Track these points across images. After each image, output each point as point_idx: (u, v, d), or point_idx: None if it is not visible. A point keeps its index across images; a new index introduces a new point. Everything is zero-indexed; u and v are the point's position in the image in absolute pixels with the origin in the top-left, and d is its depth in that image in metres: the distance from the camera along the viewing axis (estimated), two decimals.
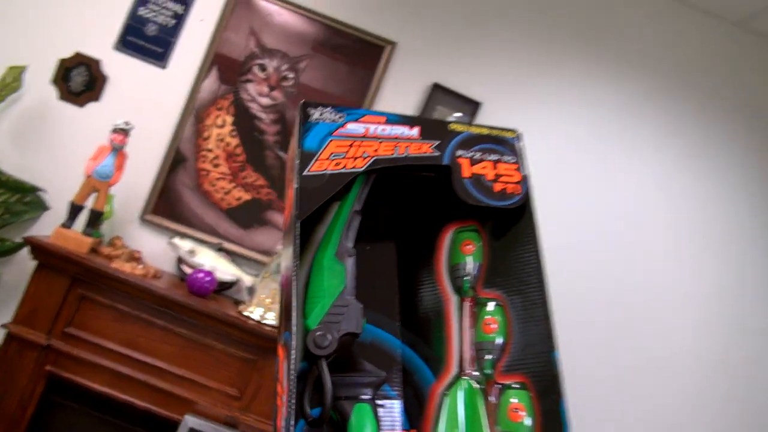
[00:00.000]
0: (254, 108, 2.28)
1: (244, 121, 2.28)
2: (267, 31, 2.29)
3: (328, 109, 0.58)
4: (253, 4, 2.28)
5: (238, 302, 2.11)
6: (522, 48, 2.36)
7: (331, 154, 0.56)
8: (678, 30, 2.39)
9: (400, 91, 2.32)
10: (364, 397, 0.54)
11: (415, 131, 0.58)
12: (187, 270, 2.09)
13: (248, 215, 2.26)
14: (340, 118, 0.58)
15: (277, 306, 2.00)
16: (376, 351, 0.60)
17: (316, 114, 0.58)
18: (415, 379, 0.59)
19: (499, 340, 0.55)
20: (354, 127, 0.57)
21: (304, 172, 0.54)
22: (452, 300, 0.59)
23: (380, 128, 0.58)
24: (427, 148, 0.58)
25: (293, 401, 0.45)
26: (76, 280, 1.91)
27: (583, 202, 2.36)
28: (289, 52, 2.29)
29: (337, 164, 0.55)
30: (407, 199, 0.64)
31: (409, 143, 0.57)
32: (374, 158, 0.56)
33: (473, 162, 0.58)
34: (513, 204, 0.57)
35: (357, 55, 2.31)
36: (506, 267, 0.58)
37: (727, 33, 2.39)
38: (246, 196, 2.27)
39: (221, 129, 2.27)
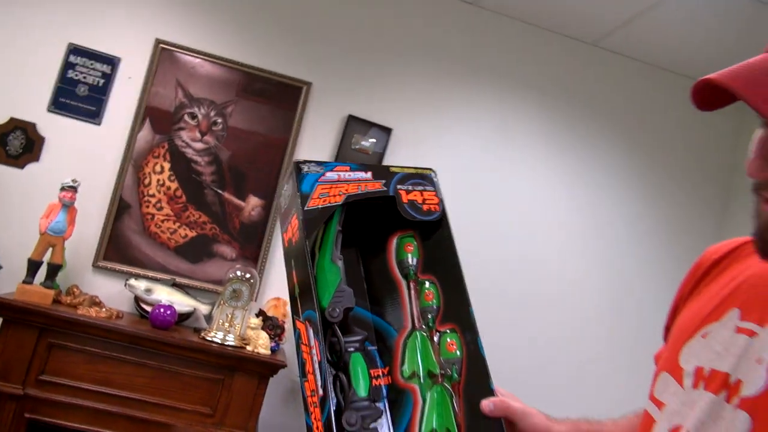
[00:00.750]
0: (189, 152, 2.50)
1: (181, 165, 2.49)
2: (192, 82, 2.52)
3: (312, 164, 0.87)
4: (177, 59, 2.51)
5: (197, 330, 2.32)
6: (423, 79, 2.72)
7: (320, 194, 0.84)
8: (546, 53, 2.83)
9: (320, 124, 2.62)
10: (355, 349, 0.84)
11: (369, 174, 0.88)
12: (146, 308, 2.28)
13: (196, 250, 2.48)
14: (320, 169, 0.87)
15: (234, 328, 2.24)
16: (358, 321, 0.89)
17: (305, 168, 0.86)
18: (384, 336, 0.88)
19: (435, 304, 0.87)
20: (330, 175, 0.86)
21: (305, 208, 0.82)
22: (402, 283, 0.90)
23: (347, 174, 0.87)
24: (378, 185, 0.88)
25: (324, 351, 0.73)
26: (43, 330, 2.06)
27: (482, 202, 2.75)
28: (216, 99, 2.53)
29: (324, 201, 0.84)
30: (367, 219, 0.93)
31: (367, 183, 0.87)
32: (347, 194, 0.85)
33: (408, 192, 0.89)
34: (435, 218, 0.88)
35: (278, 97, 2.59)
36: (434, 258, 0.89)
37: (585, 52, 2.86)
38: (191, 233, 2.49)
39: (160, 175, 2.48)
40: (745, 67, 0.59)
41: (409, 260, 0.90)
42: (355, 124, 2.64)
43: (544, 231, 2.81)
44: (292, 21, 2.64)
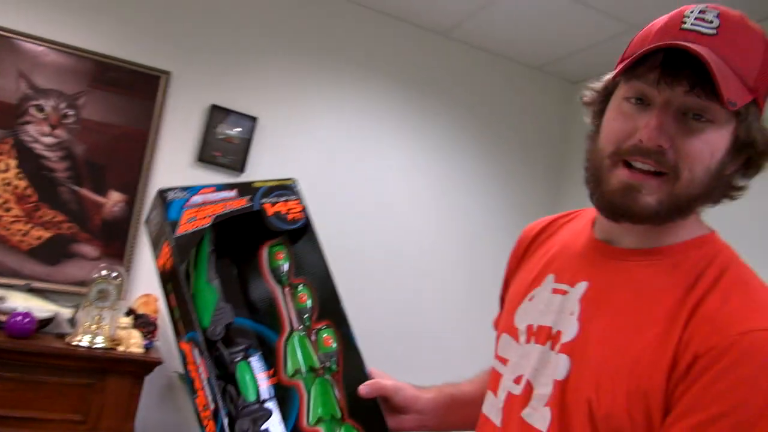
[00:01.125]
0: (38, 148, 2.34)
1: (30, 162, 2.33)
2: (37, 72, 2.35)
3: (176, 190, 0.88)
4: (17, 47, 2.32)
5: (60, 335, 2.21)
6: (285, 67, 2.75)
7: (188, 219, 0.85)
8: (401, 43, 2.98)
9: (182, 114, 2.56)
10: (240, 358, 0.89)
11: (234, 192, 0.91)
12: (1, 317, 2.13)
13: (53, 251, 2.34)
14: (185, 194, 0.88)
15: (103, 329, 2.17)
16: (240, 331, 0.93)
17: (170, 196, 0.87)
18: (266, 341, 0.94)
19: (310, 305, 0.94)
20: (196, 199, 0.87)
21: (174, 235, 0.83)
22: (277, 289, 0.95)
23: (212, 196, 0.89)
24: (243, 202, 0.91)
25: (211, 367, 0.77)
26: None
27: (345, 185, 2.86)
28: (65, 90, 2.38)
29: (193, 225, 0.85)
30: (238, 232, 0.96)
31: (232, 201, 0.90)
32: (214, 215, 0.87)
33: (273, 204, 0.93)
34: (301, 225, 0.94)
35: (134, 87, 2.48)
36: (304, 261, 0.96)
37: (436, 42, 3.05)
38: (46, 234, 2.34)
39: (6, 173, 2.29)
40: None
41: (281, 267, 0.95)
42: (218, 114, 2.61)
43: (403, 210, 2.97)
44: (147, 8, 2.53)
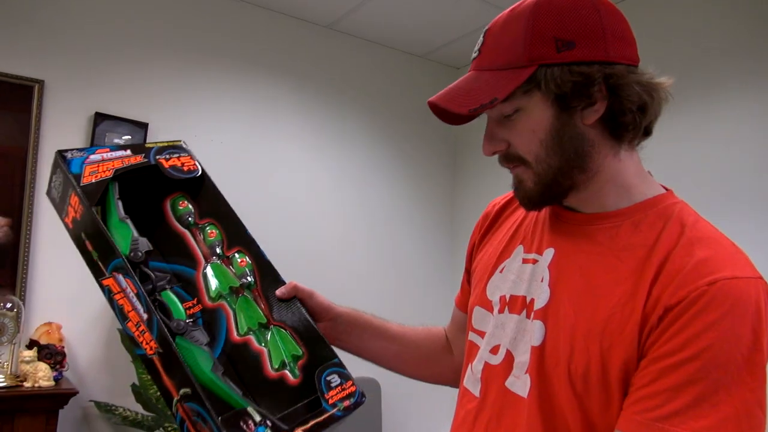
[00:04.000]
0: None
1: None
2: None
3: (74, 150, 0.94)
4: None
5: None
6: (172, 68, 2.62)
7: (90, 172, 0.91)
8: (288, 37, 2.96)
9: (63, 125, 2.36)
10: (164, 285, 0.94)
11: (128, 152, 0.98)
12: None
13: None
14: (83, 154, 0.94)
15: (4, 367, 1.97)
16: (158, 272, 0.96)
17: (69, 155, 0.92)
18: (184, 276, 0.98)
19: (218, 239, 1.01)
20: (94, 157, 0.94)
21: (80, 185, 0.88)
22: (186, 233, 1.01)
23: (109, 154, 0.95)
24: (140, 158, 0.98)
25: (138, 285, 0.80)
26: None
27: (248, 185, 2.80)
28: None
29: (96, 176, 0.91)
30: (138, 196, 1.00)
31: (129, 158, 0.96)
32: (114, 169, 0.93)
33: (167, 160, 1.00)
34: (197, 174, 1.01)
35: (4, 99, 2.26)
36: (206, 206, 1.03)
37: (321, 34, 3.06)
38: None
39: None
40: (450, 88, 0.76)
41: (186, 214, 1.03)
42: (105, 122, 2.44)
43: (306, 204, 2.97)
44: (13, 14, 2.30)
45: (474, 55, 0.78)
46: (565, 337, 0.71)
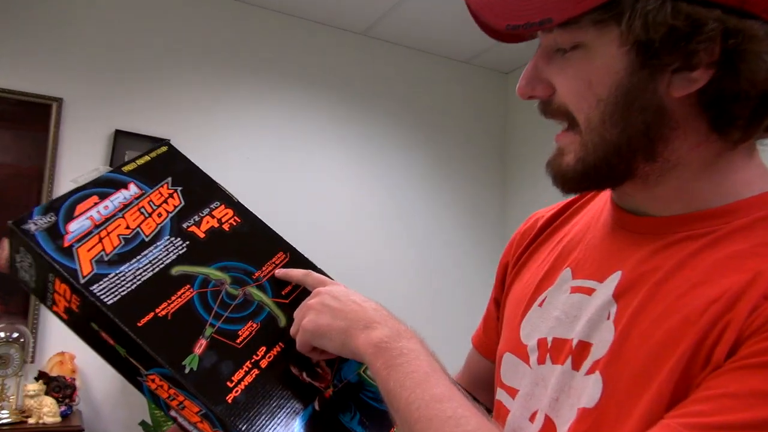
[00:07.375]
0: None
1: None
2: None
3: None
4: None
5: None
6: (194, 82, 2.50)
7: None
8: (320, 45, 2.79)
9: (82, 144, 2.27)
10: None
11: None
12: None
13: None
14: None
15: (8, 401, 1.84)
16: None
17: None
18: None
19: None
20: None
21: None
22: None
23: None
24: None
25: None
26: None
27: (279, 198, 2.62)
28: None
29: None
30: None
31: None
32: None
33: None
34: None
35: (21, 118, 2.18)
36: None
37: (355, 42, 2.88)
38: None
39: None
40: None
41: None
42: (124, 139, 2.33)
43: (346, 213, 2.76)
44: (30, 31, 2.24)
45: None
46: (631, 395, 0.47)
